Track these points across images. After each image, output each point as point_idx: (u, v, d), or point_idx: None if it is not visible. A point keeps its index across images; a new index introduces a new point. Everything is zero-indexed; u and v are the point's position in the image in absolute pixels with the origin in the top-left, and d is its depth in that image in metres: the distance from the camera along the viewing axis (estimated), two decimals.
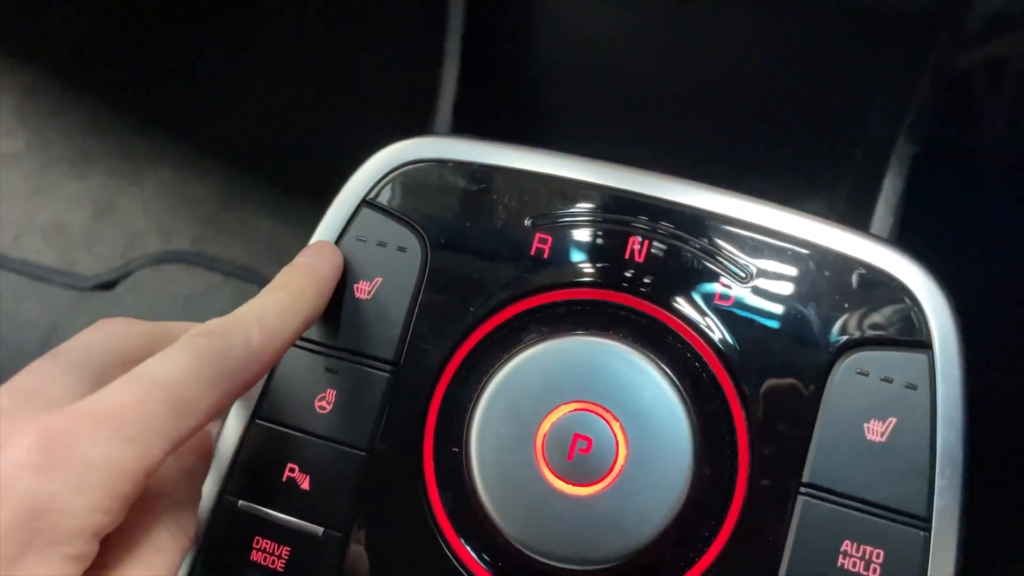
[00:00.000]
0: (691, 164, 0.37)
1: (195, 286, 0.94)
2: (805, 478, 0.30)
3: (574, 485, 0.28)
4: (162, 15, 1.04)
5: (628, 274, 0.32)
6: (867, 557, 0.29)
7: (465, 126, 0.61)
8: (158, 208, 1.02)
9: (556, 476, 0.28)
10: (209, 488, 0.32)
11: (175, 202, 1.02)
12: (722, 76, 0.63)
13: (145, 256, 0.97)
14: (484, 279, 0.33)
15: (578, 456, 0.28)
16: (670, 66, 0.63)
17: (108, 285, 0.95)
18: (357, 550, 0.31)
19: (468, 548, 0.31)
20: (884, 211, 0.57)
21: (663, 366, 0.29)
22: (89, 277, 0.95)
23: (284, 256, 0.35)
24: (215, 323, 0.27)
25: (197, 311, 0.91)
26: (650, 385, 0.29)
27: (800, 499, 0.30)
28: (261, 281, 0.94)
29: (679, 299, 0.31)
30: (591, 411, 0.29)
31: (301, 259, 0.32)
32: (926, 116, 0.56)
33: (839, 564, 0.29)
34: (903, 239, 0.60)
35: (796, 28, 0.58)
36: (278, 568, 0.31)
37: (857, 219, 0.60)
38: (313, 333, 0.33)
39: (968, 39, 0.47)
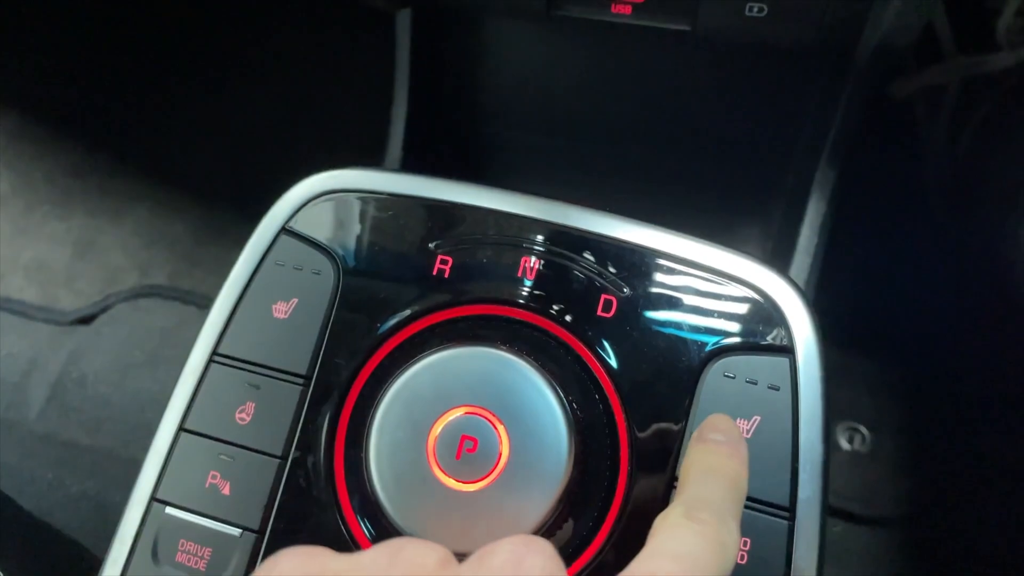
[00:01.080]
0: (631, 196, 0.40)
1: (171, 319, 0.97)
2: (679, 471, 0.32)
3: (461, 482, 0.31)
4: (140, 64, 1.08)
5: (521, 291, 0.35)
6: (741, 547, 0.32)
7: (415, 159, 0.65)
8: (136, 245, 1.06)
9: (445, 473, 0.31)
10: (139, 494, 0.35)
11: (152, 239, 1.06)
12: (657, 111, 0.67)
13: (123, 291, 1.00)
14: (391, 298, 0.36)
15: (465, 455, 0.31)
16: (608, 101, 0.67)
17: (87, 319, 0.98)
18: (271, 548, 0.34)
19: (373, 543, 0.33)
20: (809, 233, 0.60)
21: (545, 373, 0.32)
22: (69, 312, 0.98)
23: None
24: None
25: (172, 342, 0.94)
26: (531, 391, 0.32)
27: (674, 492, 0.32)
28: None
29: (566, 312, 0.34)
30: (478, 414, 0.32)
31: (716, 435, 0.30)
32: (843, 143, 0.59)
33: None
34: (828, 259, 0.63)
35: (720, 65, 0.62)
36: (200, 568, 0.34)
37: (788, 240, 0.63)
38: (234, 350, 0.36)
39: (860, 73, 0.50)
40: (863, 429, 0.88)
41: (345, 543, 0.33)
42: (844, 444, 0.89)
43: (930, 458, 0.85)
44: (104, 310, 0.98)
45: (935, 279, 0.85)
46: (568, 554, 0.32)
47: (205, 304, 0.99)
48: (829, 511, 0.80)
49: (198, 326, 0.95)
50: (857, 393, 0.89)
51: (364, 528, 0.34)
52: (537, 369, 0.32)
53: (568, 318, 0.34)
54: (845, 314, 0.85)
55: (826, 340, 0.34)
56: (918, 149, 0.87)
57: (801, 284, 0.57)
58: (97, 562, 0.35)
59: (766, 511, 0.32)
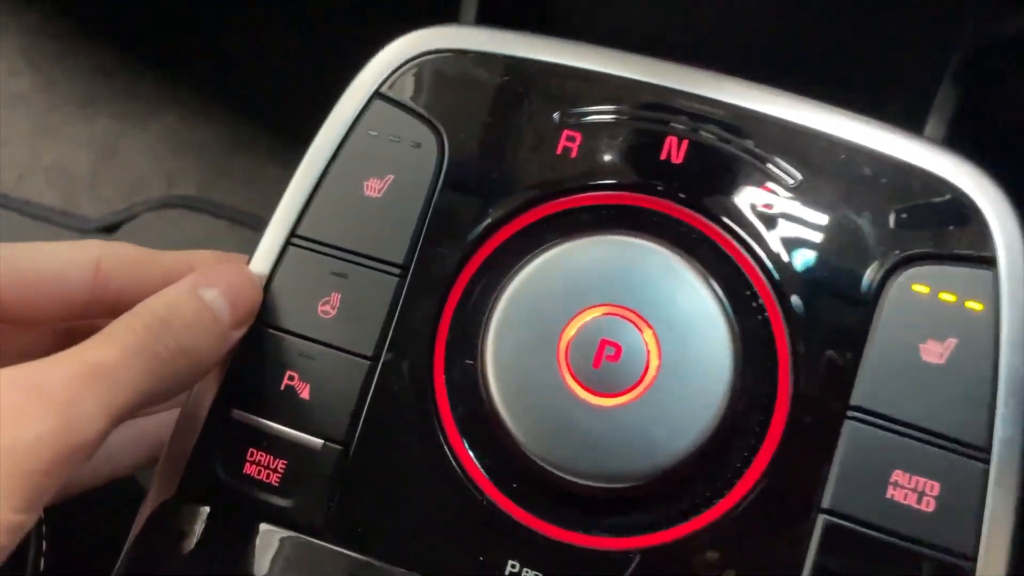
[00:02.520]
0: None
1: (199, 232, 0.91)
2: (853, 401, 0.27)
3: (600, 395, 0.26)
4: None
5: (663, 177, 0.29)
6: (920, 489, 0.26)
7: None
8: (163, 152, 1.00)
9: (580, 385, 0.26)
10: (202, 396, 0.30)
11: (181, 146, 1.00)
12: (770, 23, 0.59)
13: (149, 200, 0.95)
14: (505, 179, 0.30)
15: (605, 364, 0.26)
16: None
17: (110, 228, 0.92)
18: (358, 465, 0.29)
19: (479, 465, 0.28)
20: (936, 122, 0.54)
21: (700, 270, 0.26)
22: (92, 219, 0.93)
23: None
24: (159, 305, 0.26)
25: None
26: (687, 290, 0.26)
27: (847, 424, 0.27)
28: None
29: (719, 205, 0.29)
30: (621, 316, 0.26)
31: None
32: (968, 65, 0.53)
33: (888, 495, 0.26)
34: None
35: None
36: (272, 482, 0.29)
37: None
38: (318, 232, 0.30)
39: None
40: None
41: (445, 459, 0.28)
42: None
43: None
44: (129, 219, 0.92)
45: None
46: (713, 490, 0.27)
47: (236, 218, 0.93)
48: None
49: (229, 241, 0.89)
50: None
51: (467, 444, 0.28)
52: (690, 263, 0.26)
53: (720, 212, 0.28)
54: None
55: None
56: None
57: None
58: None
59: (959, 451, 0.26)
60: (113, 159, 1.00)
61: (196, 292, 0.28)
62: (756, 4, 0.53)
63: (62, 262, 0.30)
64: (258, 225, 0.98)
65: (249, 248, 0.33)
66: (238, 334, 0.29)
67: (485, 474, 0.28)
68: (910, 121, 0.55)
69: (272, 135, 0.96)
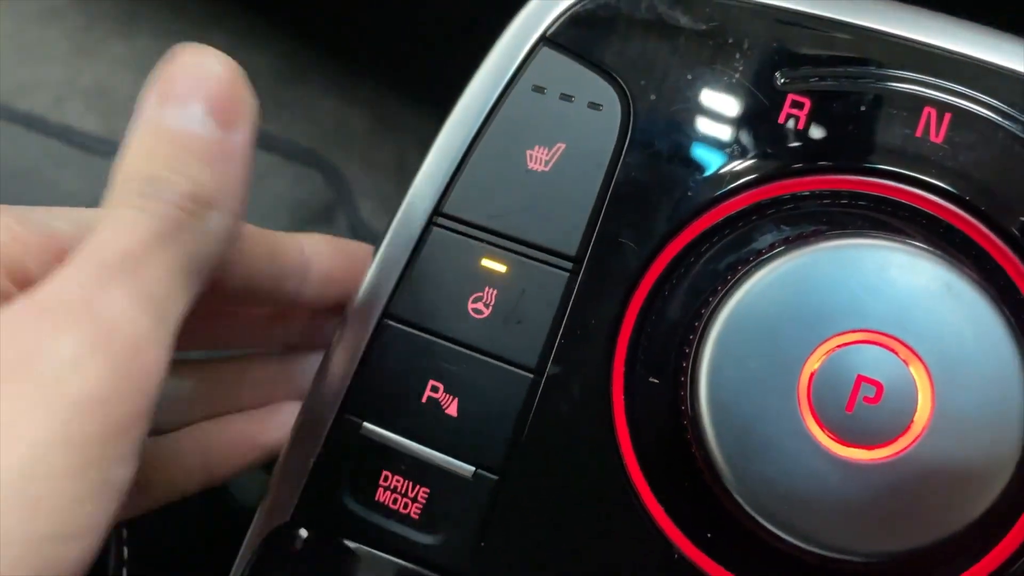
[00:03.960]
0: None
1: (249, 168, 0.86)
2: None
3: (854, 446, 0.20)
4: None
5: (919, 160, 0.23)
6: None
7: None
8: None
9: (827, 433, 0.20)
10: (324, 401, 0.25)
11: None
12: None
13: None
14: (710, 152, 0.24)
15: (862, 406, 0.20)
16: None
17: None
18: (516, 499, 0.24)
19: (666, 509, 0.23)
20: None
21: (988, 291, 0.20)
22: None
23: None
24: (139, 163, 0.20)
25: (252, 195, 0.83)
26: (968, 315, 0.20)
27: None
28: (325, 169, 0.86)
29: (993, 199, 0.22)
30: (881, 344, 0.20)
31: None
32: None
33: None
34: None
35: None
36: (411, 514, 0.24)
37: None
38: (468, 212, 0.25)
39: None
40: None
41: (625, 498, 0.23)
42: None
43: None
44: None
45: None
46: (963, 556, 0.22)
47: (291, 153, 0.88)
48: None
49: (284, 180, 0.82)
50: None
51: (651, 483, 0.23)
52: (971, 279, 0.21)
53: (996, 208, 0.22)
54: None
55: None
56: None
57: None
58: None
59: None
60: None
61: (163, 124, 0.20)
62: None
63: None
64: (314, 163, 0.91)
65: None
66: (240, 136, 0.21)
67: (672, 519, 0.23)
68: None
69: (330, 64, 0.89)
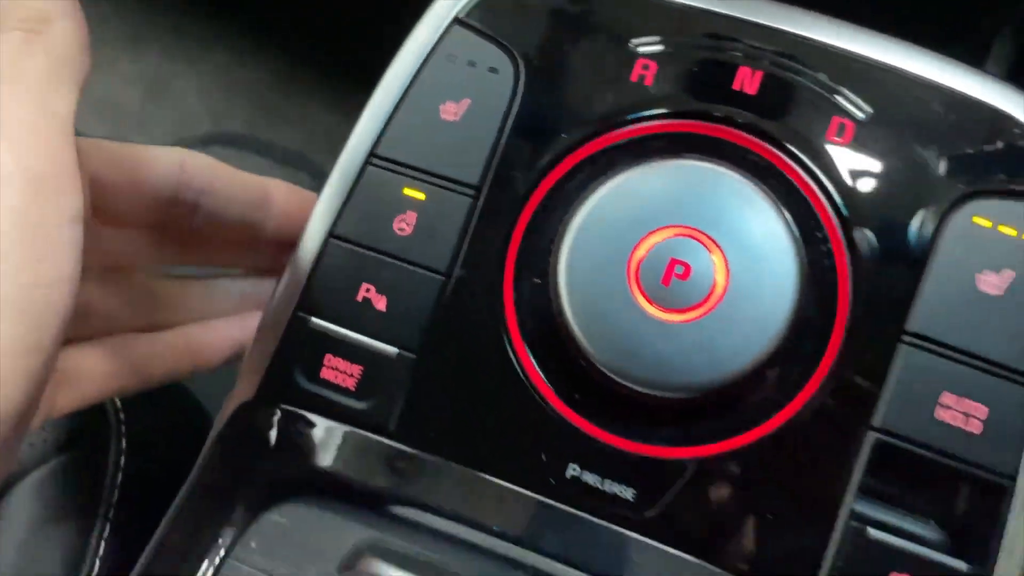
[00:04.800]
0: None
1: (245, 169, 0.93)
2: (908, 327, 0.28)
3: (668, 311, 0.27)
4: None
5: (736, 107, 0.30)
6: (968, 411, 0.28)
7: None
8: (211, 90, 1.01)
9: (650, 302, 0.27)
10: (282, 305, 0.32)
11: (228, 85, 1.01)
12: None
13: (197, 137, 0.96)
14: (580, 104, 0.31)
15: (675, 282, 0.27)
16: None
17: None
18: (430, 372, 0.30)
19: (544, 376, 0.30)
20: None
21: (769, 195, 0.27)
22: None
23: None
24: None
25: None
26: (755, 213, 0.27)
27: (901, 348, 0.28)
28: (312, 169, 0.93)
29: (789, 135, 0.29)
30: (691, 236, 0.27)
31: None
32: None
33: (937, 416, 0.28)
34: None
35: None
36: (348, 386, 0.31)
37: None
38: (395, 152, 0.32)
39: None
40: None
41: (512, 370, 0.30)
42: None
43: None
44: None
45: None
46: (769, 405, 0.29)
47: (282, 158, 0.95)
48: None
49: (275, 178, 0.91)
50: None
51: (532, 356, 0.30)
52: (761, 188, 0.27)
53: (790, 142, 0.29)
54: None
55: None
56: None
57: None
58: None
59: (1009, 377, 0.28)
60: (162, 96, 1.01)
61: None
62: None
63: (152, 157, 0.31)
64: (303, 165, 1.00)
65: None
66: None
67: (550, 385, 0.30)
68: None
69: (322, 76, 0.97)
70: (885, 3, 0.57)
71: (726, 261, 0.27)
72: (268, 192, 0.34)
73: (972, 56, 0.57)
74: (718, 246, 0.27)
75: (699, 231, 0.27)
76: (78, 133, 0.80)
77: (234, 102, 0.98)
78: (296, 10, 0.98)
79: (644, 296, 0.27)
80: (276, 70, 0.98)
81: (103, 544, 0.36)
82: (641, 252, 0.27)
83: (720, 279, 0.27)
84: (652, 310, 0.27)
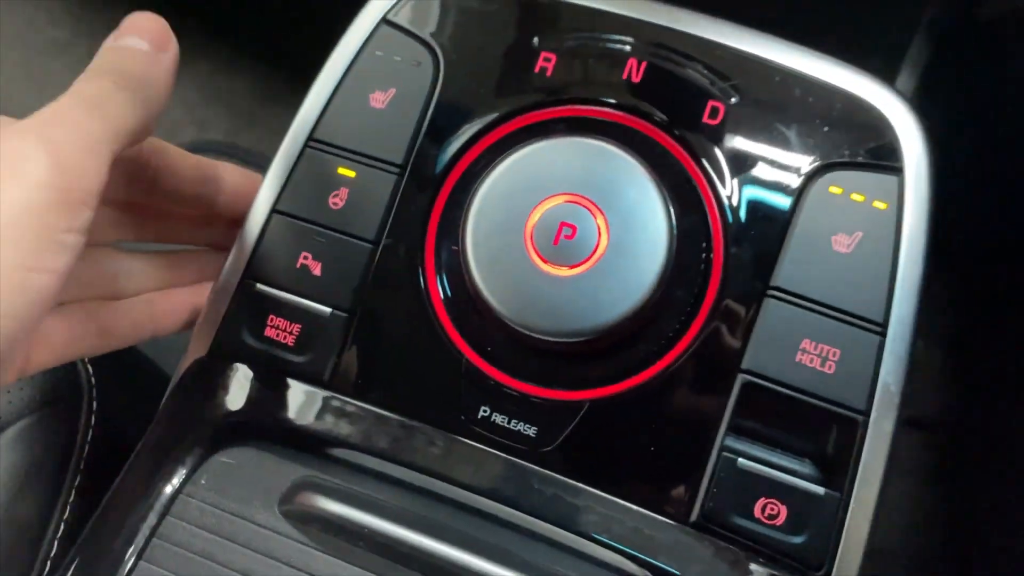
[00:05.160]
0: None
1: None
2: (773, 282, 0.32)
3: (558, 267, 0.31)
4: None
5: (625, 92, 0.34)
6: (824, 354, 0.32)
7: None
8: (195, 100, 1.06)
9: (542, 259, 0.31)
10: (231, 272, 0.36)
11: (211, 95, 1.06)
12: None
13: (181, 145, 1.01)
14: (490, 93, 0.35)
15: (563, 241, 0.31)
16: None
17: None
18: (359, 329, 0.34)
19: (460, 331, 0.34)
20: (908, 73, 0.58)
21: (647, 166, 0.31)
22: None
23: None
24: (103, 62, 0.31)
25: None
26: (634, 183, 0.31)
27: (766, 300, 0.32)
28: None
29: (671, 116, 0.34)
30: (577, 203, 0.31)
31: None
32: (935, 22, 0.57)
33: (797, 359, 0.32)
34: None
35: None
36: (288, 343, 0.35)
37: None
38: (330, 136, 0.36)
39: None
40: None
41: (433, 326, 0.34)
42: None
43: (980, 367, 0.85)
44: None
45: (989, 184, 0.83)
46: (652, 352, 0.33)
47: (262, 164, 0.99)
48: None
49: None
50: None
51: (450, 314, 0.34)
52: (639, 162, 0.32)
53: (671, 122, 0.34)
54: None
55: (935, 161, 0.33)
56: (1004, 70, 0.83)
57: None
58: None
59: (859, 324, 0.32)
60: None
61: (119, 44, 0.32)
62: None
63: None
64: None
65: None
66: (167, 56, 0.32)
67: (464, 339, 0.34)
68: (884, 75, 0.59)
69: (298, 88, 1.01)
70: (801, 19, 0.62)
71: (607, 224, 0.31)
72: (218, 172, 0.38)
73: (888, 64, 0.61)
74: (600, 211, 0.31)
75: (585, 198, 0.31)
76: None
77: (216, 111, 1.03)
78: (272, 27, 1.03)
79: (538, 254, 0.31)
80: (256, 80, 1.02)
81: (68, 507, 0.40)
82: (535, 217, 0.32)
83: (603, 239, 0.31)
84: (544, 266, 0.31)
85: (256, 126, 1.03)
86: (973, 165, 0.84)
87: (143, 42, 0.31)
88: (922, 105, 0.60)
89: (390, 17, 0.36)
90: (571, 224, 0.31)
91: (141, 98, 0.30)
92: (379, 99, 0.36)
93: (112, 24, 0.32)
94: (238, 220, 0.37)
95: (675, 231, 0.31)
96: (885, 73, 0.59)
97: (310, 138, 0.36)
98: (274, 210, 0.36)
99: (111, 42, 0.32)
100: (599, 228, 0.31)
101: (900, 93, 0.33)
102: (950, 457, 0.80)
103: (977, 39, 0.75)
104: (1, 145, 0.26)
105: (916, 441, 0.80)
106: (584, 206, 0.31)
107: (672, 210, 0.31)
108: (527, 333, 0.31)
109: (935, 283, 0.92)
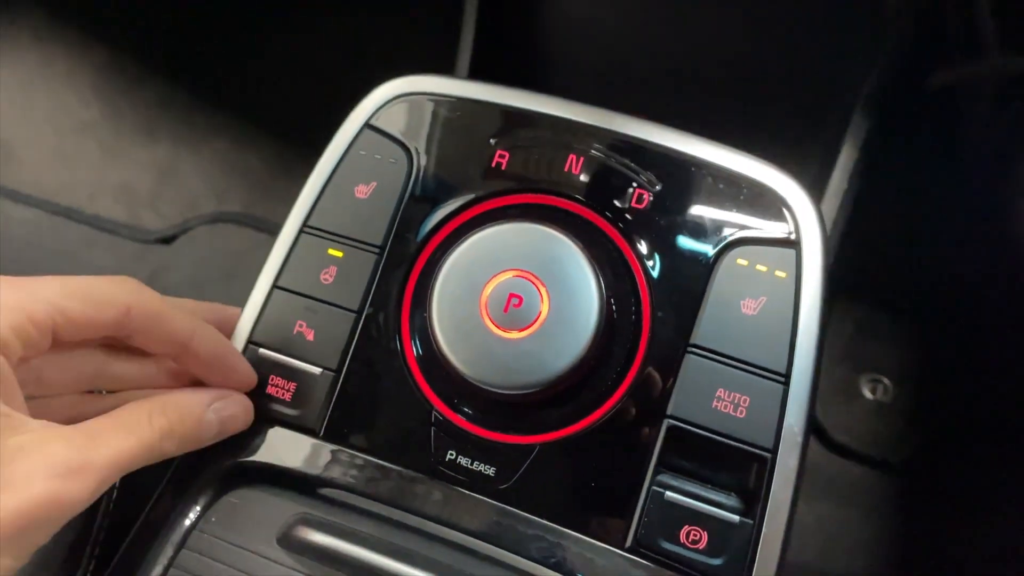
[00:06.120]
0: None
1: (244, 243, 1.05)
2: (692, 340, 0.38)
3: (508, 331, 0.37)
4: (224, 5, 1.16)
5: (567, 183, 0.41)
6: (736, 401, 0.37)
7: None
8: (215, 174, 1.14)
9: (495, 324, 0.37)
10: (238, 339, 0.42)
11: (230, 169, 1.14)
12: (704, 59, 0.71)
13: (202, 216, 1.09)
14: (455, 185, 0.42)
15: (512, 309, 0.37)
16: (661, 49, 0.72)
17: (168, 239, 1.07)
18: (346, 387, 0.41)
19: (431, 387, 0.40)
20: (840, 176, 0.65)
21: (583, 248, 0.38)
22: (152, 231, 1.07)
23: None
24: (173, 409, 0.36)
25: (245, 263, 1.02)
26: (571, 260, 0.38)
27: (687, 356, 0.38)
28: None
29: (604, 202, 0.40)
30: (524, 277, 0.38)
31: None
32: (877, 95, 0.64)
33: (714, 406, 0.37)
34: (858, 206, 0.67)
35: (773, 20, 0.66)
36: (286, 398, 0.41)
37: (823, 185, 0.68)
38: (322, 223, 0.43)
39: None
40: (886, 380, 0.92)
41: (407, 383, 0.40)
42: (868, 394, 0.93)
43: (949, 411, 0.89)
44: (184, 231, 1.07)
45: (963, 240, 0.88)
46: (591, 402, 0.38)
47: (277, 231, 1.07)
48: (850, 455, 0.85)
49: (268, 251, 1.03)
50: (883, 346, 0.93)
51: (423, 372, 0.40)
52: (576, 243, 0.38)
53: (605, 208, 0.40)
54: (874, 267, 0.89)
55: (828, 236, 0.39)
56: (956, 136, 0.90)
57: (829, 224, 0.62)
58: None
59: (765, 375, 0.37)
60: (171, 179, 1.15)
61: (207, 407, 0.38)
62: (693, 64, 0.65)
63: (99, 305, 0.35)
64: None
65: None
66: (213, 441, 0.39)
67: (434, 393, 0.40)
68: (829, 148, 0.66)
69: (308, 161, 1.09)
70: (752, 108, 0.69)
71: (548, 294, 0.37)
72: (191, 341, 0.38)
73: (833, 139, 0.68)
74: (543, 283, 0.37)
75: (529, 273, 0.38)
76: (97, 218, 0.94)
77: (234, 183, 1.11)
78: (285, 107, 1.12)
79: (491, 320, 0.37)
80: (270, 156, 1.11)
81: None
82: (489, 289, 0.38)
83: (544, 307, 0.37)
84: (497, 331, 0.37)
85: (270, 197, 1.11)
86: (932, 221, 0.90)
87: (215, 428, 0.38)
88: (866, 175, 0.67)
89: (372, 122, 0.43)
90: (518, 295, 0.37)
91: (166, 455, 0.36)
92: (363, 191, 0.43)
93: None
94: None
95: (605, 299, 0.37)
96: (829, 147, 0.66)
97: (304, 224, 0.43)
98: (275, 286, 0.42)
99: (205, 400, 0.38)
100: (541, 297, 0.37)
101: (797, 178, 0.39)
102: (918, 498, 0.84)
103: (926, 108, 0.82)
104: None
105: (884, 482, 0.84)
106: (529, 279, 0.38)
107: (603, 282, 0.38)
108: (484, 387, 0.37)
109: (903, 330, 0.98)
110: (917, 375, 0.91)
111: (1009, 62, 0.78)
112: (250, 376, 0.41)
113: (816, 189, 0.69)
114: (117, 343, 0.38)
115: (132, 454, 0.33)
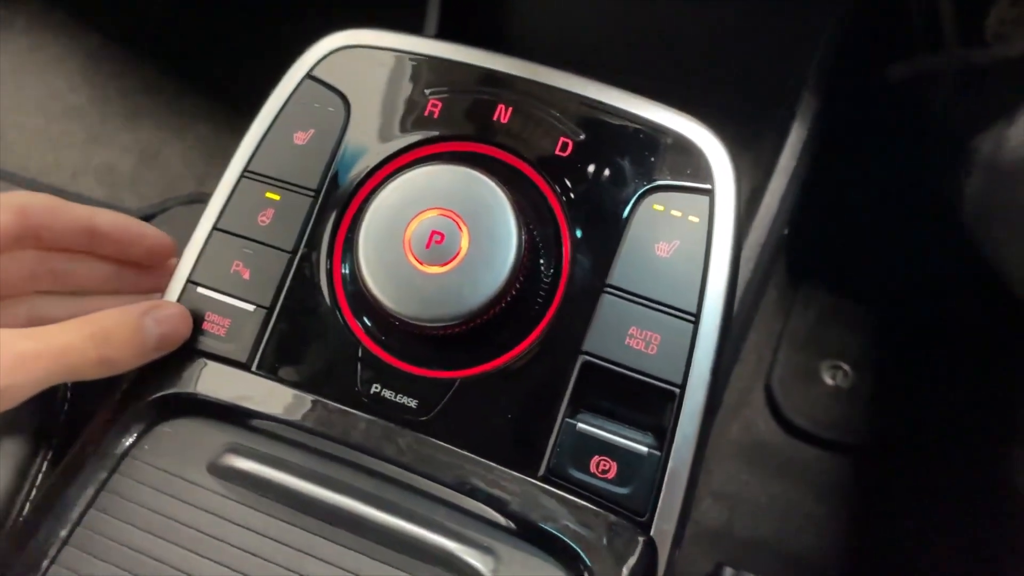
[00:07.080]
0: None
1: None
2: (609, 281, 0.40)
3: (429, 266, 0.39)
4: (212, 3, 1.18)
5: (495, 131, 0.42)
6: (648, 339, 0.39)
7: None
8: (196, 158, 1.16)
9: (417, 260, 0.39)
10: (179, 277, 0.44)
11: (211, 153, 1.16)
12: (662, 42, 0.73)
13: (181, 196, 1.11)
14: (389, 132, 0.43)
15: (433, 246, 0.39)
16: (621, 30, 0.74)
17: (147, 218, 1.08)
18: (278, 323, 0.42)
19: (359, 324, 0.41)
20: (789, 155, 0.66)
21: (505, 189, 0.39)
22: (132, 210, 1.09)
23: None
24: (110, 321, 0.39)
25: None
26: (492, 199, 0.39)
27: (603, 296, 0.39)
28: None
29: (531, 150, 0.42)
30: (446, 215, 0.39)
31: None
32: (825, 74, 0.65)
33: (626, 343, 0.39)
34: (808, 188, 0.69)
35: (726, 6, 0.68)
36: (220, 333, 0.42)
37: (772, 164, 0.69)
38: (261, 168, 0.44)
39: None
40: (845, 366, 0.94)
41: (338, 321, 0.41)
42: (827, 379, 0.94)
43: (905, 398, 0.90)
44: (163, 211, 1.08)
45: (918, 223, 0.90)
46: (511, 339, 0.40)
47: None
48: (807, 438, 0.86)
49: None
50: (844, 333, 0.94)
51: (352, 310, 0.42)
52: (498, 185, 0.39)
53: (531, 155, 0.42)
54: (837, 255, 0.90)
55: (740, 183, 0.40)
56: (917, 124, 0.91)
57: (777, 202, 0.64)
58: None
59: (676, 314, 0.39)
60: (153, 162, 1.17)
61: (143, 316, 0.40)
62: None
63: None
64: None
65: None
66: (157, 355, 0.41)
67: (362, 329, 0.41)
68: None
69: None
70: (703, 81, 0.71)
71: (469, 231, 0.39)
72: (93, 220, 0.44)
73: (786, 115, 0.70)
74: (464, 221, 0.39)
75: (452, 211, 0.39)
76: (78, 196, 0.98)
77: (215, 167, 1.13)
78: (264, 93, 1.14)
79: (413, 256, 0.39)
80: None
81: (42, 471, 0.47)
82: (413, 226, 0.39)
83: (464, 243, 0.39)
84: (418, 265, 0.39)
85: None
86: (895, 210, 0.92)
87: (154, 338, 0.40)
88: (821, 155, 0.68)
89: (313, 73, 0.45)
90: (440, 232, 0.39)
91: (104, 369, 0.39)
92: (301, 138, 0.44)
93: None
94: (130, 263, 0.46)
95: (523, 238, 0.39)
96: (782, 128, 0.67)
97: (246, 169, 0.44)
98: (214, 228, 0.44)
99: (139, 311, 0.40)
100: (462, 234, 0.39)
101: (713, 129, 0.41)
102: (870, 480, 0.85)
103: (886, 96, 0.84)
104: None
105: (838, 464, 0.86)
106: (451, 217, 0.39)
107: (522, 222, 0.39)
108: (406, 320, 0.39)
109: (865, 318, 1.00)
110: (876, 362, 0.93)
111: (969, 52, 0.80)
112: (163, 240, 0.45)
113: (770, 165, 0.71)
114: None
115: (75, 351, 0.36)
